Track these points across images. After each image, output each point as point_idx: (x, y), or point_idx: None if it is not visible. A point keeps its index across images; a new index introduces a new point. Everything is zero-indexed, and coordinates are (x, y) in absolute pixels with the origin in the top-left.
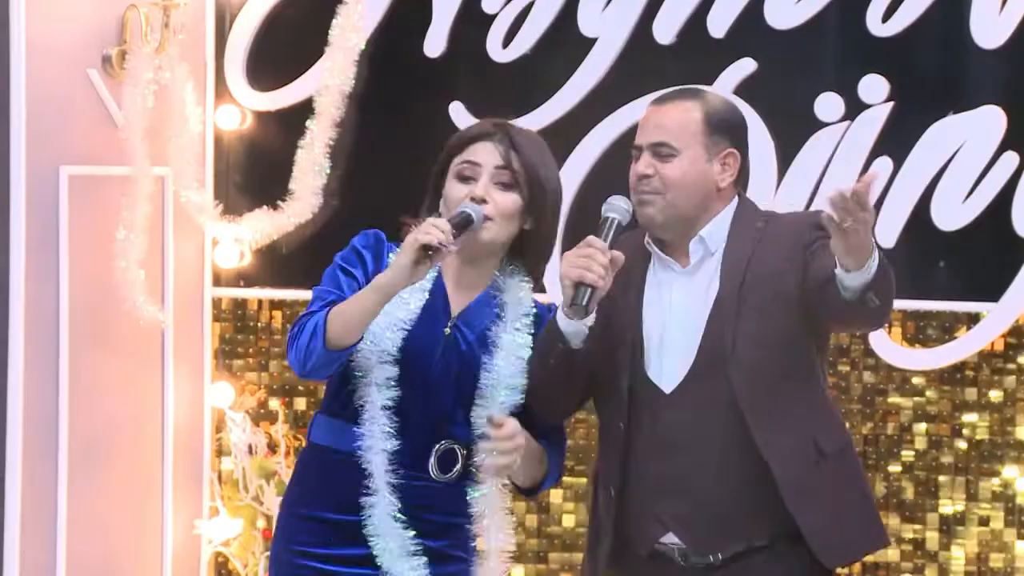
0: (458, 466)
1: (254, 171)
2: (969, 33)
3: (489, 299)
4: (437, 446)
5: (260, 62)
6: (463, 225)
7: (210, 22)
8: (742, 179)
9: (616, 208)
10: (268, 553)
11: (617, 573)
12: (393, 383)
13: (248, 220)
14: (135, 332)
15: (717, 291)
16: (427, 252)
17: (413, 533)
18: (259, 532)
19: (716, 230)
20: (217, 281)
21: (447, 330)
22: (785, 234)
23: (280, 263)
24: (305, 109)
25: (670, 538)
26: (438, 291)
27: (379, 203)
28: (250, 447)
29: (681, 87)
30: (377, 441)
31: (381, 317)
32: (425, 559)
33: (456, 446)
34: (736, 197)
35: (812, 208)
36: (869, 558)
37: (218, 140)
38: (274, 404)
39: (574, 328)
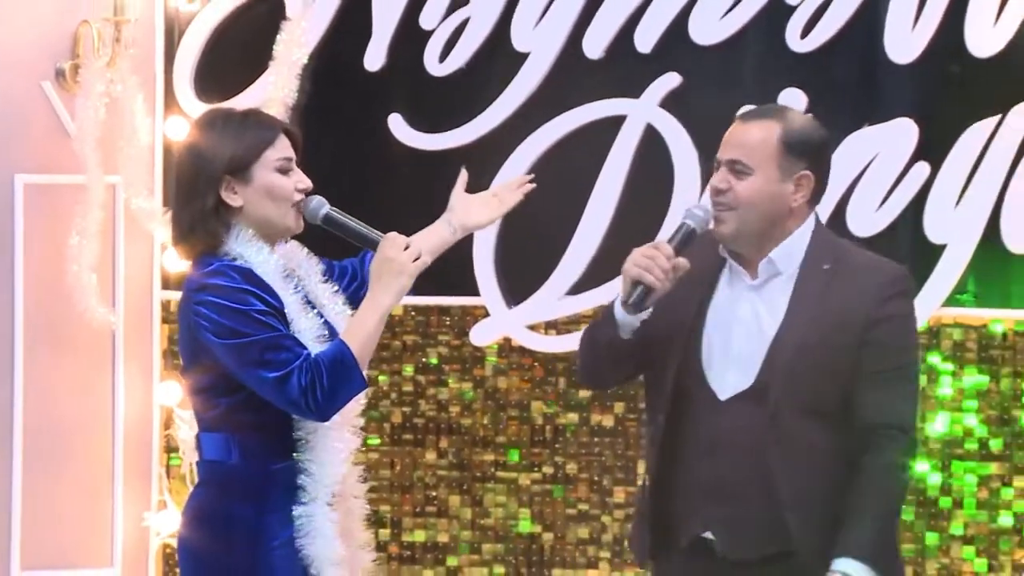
0: None
1: None
2: (883, 49)
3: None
4: None
5: (207, 75)
6: None
7: (160, 37)
8: (816, 198)
9: (693, 216)
10: None
11: (659, 558)
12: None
13: None
14: (87, 333)
15: (783, 318)
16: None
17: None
18: None
19: (786, 253)
20: (166, 284)
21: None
22: (855, 291)
23: None
24: None
25: (707, 534)
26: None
27: None
28: None
29: (768, 105)
30: (324, 454)
31: (300, 334)
32: None
33: None
34: (812, 217)
35: None
36: None
37: (167, 150)
38: None
39: (627, 320)
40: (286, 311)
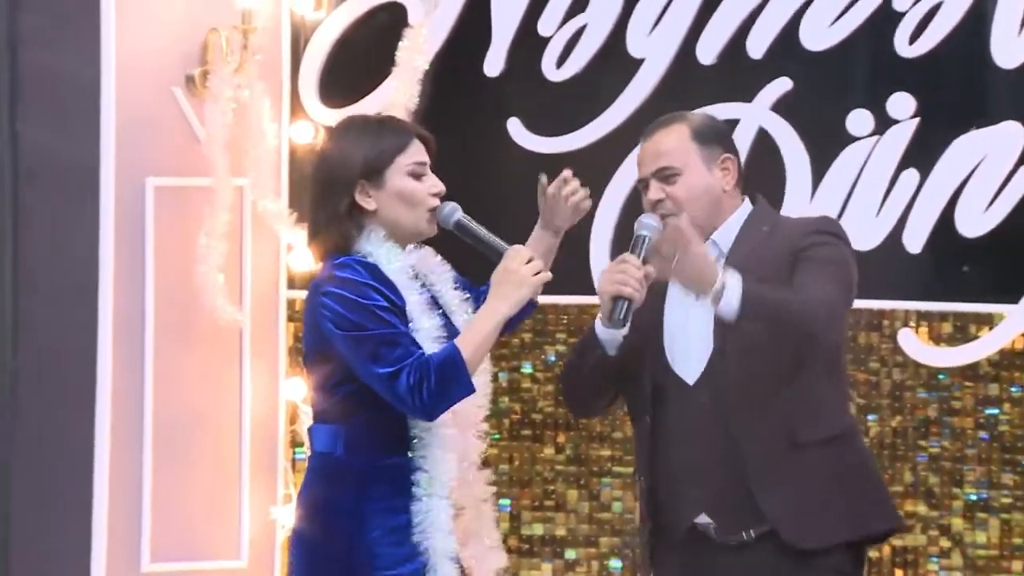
0: None
1: None
2: (990, 54)
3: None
4: None
5: (331, 81)
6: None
7: (286, 44)
8: (742, 181)
9: (647, 226)
10: None
11: (662, 554)
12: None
13: None
14: (215, 331)
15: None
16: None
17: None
18: None
19: (727, 233)
20: (291, 284)
21: (440, 311)
22: (785, 236)
23: None
24: None
25: (703, 518)
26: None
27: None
28: None
29: (660, 118)
30: (438, 451)
31: (418, 334)
32: None
33: None
34: (747, 200)
35: (844, 217)
36: (897, 542)
37: (293, 153)
38: None
39: (610, 336)
40: (408, 310)
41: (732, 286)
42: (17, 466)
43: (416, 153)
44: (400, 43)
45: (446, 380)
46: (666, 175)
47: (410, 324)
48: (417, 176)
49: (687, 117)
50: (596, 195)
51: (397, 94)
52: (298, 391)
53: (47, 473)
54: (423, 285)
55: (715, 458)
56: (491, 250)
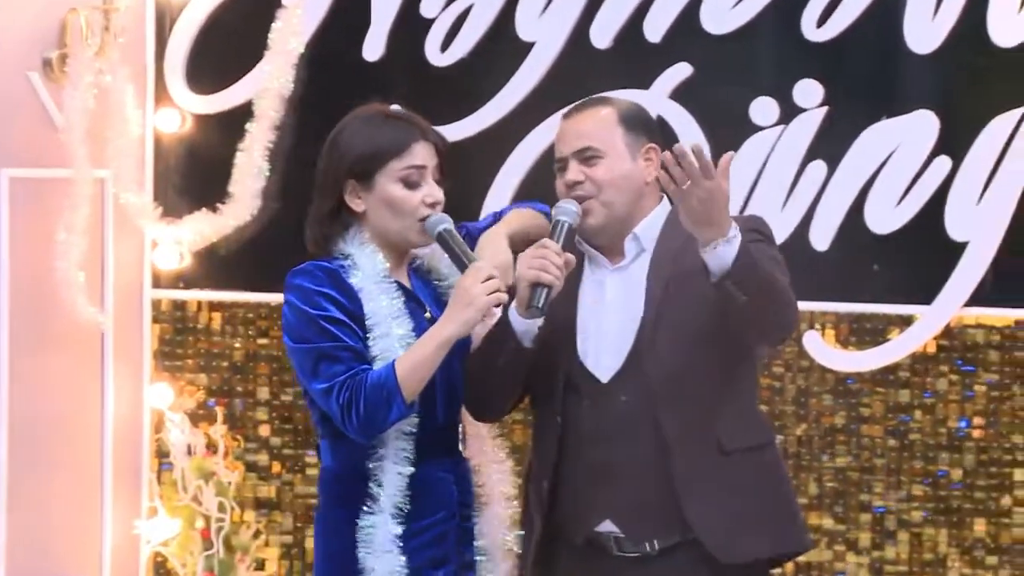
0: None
1: (194, 173)
2: (903, 38)
3: (419, 270)
4: (460, 425)
5: (200, 65)
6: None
7: (150, 26)
8: None
9: (566, 211)
10: (207, 553)
11: (548, 564)
12: (416, 406)
13: (188, 222)
14: (75, 333)
15: (646, 287)
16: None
17: (404, 559)
18: (198, 532)
19: (649, 227)
20: (156, 283)
21: (427, 316)
22: None
23: (220, 265)
24: (244, 112)
25: (606, 526)
26: (403, 291)
27: None
28: (189, 448)
29: (586, 99)
30: (394, 465)
31: (383, 341)
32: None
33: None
34: (666, 199)
35: (746, 211)
36: (802, 557)
37: (158, 142)
38: (212, 405)
39: (525, 327)
40: (371, 319)
41: (734, 239)
42: None
43: (414, 157)
44: (273, 25)
45: (376, 401)
46: (587, 156)
47: (373, 333)
48: (411, 183)
49: (613, 101)
50: (484, 186)
51: (270, 79)
52: (164, 398)
53: None
54: (397, 290)
55: (632, 460)
56: (461, 266)
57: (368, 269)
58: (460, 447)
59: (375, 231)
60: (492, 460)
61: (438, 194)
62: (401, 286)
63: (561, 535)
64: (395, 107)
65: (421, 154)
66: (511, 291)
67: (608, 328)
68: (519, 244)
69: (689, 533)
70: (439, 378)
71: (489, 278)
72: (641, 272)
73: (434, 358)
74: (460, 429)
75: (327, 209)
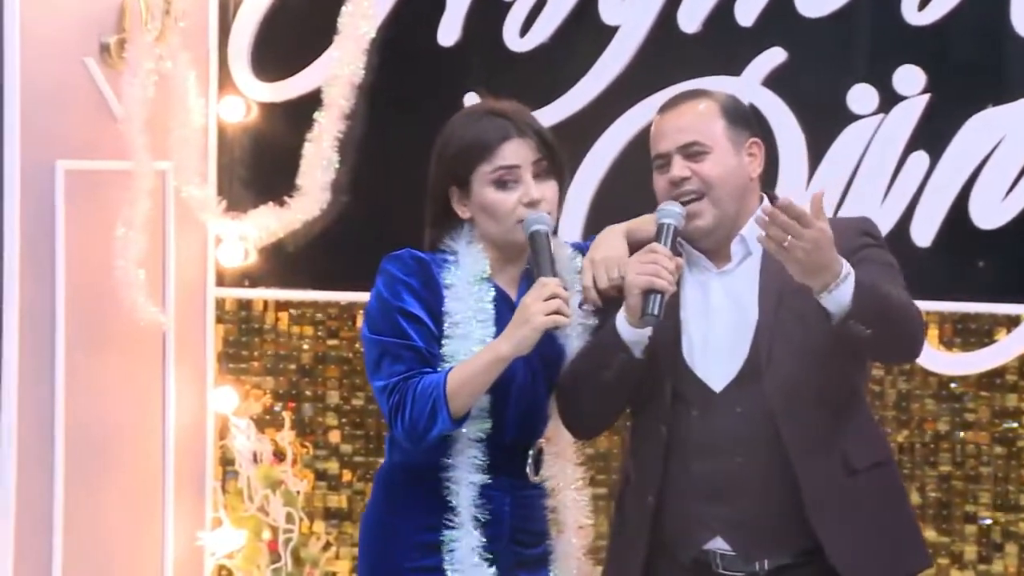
0: (544, 461)
1: (259, 165)
2: (1009, 22)
3: (527, 283)
4: (532, 449)
5: (266, 51)
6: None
7: (213, 9)
8: (767, 171)
9: (671, 213)
10: (274, 566)
11: None
12: (486, 414)
13: (253, 217)
14: (135, 333)
15: (759, 293)
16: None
17: (493, 570)
18: (264, 544)
19: (755, 228)
20: (220, 281)
21: None
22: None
23: (287, 262)
24: (313, 100)
25: (716, 543)
26: (500, 296)
27: (390, 199)
28: (255, 455)
29: (683, 91)
30: (465, 474)
31: (459, 342)
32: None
33: (543, 442)
34: (766, 198)
35: (844, 206)
36: None
37: (221, 133)
38: (280, 410)
39: (636, 337)
40: (449, 317)
41: (846, 278)
42: None
43: (503, 157)
44: (343, 8)
45: (421, 411)
46: (692, 152)
47: (449, 332)
48: (503, 184)
49: (713, 94)
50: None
51: (340, 66)
52: (229, 402)
53: None
54: (493, 292)
55: (748, 475)
56: (538, 275)
57: (468, 267)
58: (528, 471)
59: (484, 236)
60: (571, 486)
61: (535, 192)
62: (500, 290)
63: (666, 554)
64: (501, 103)
65: (512, 153)
66: (620, 290)
67: (717, 335)
68: (633, 245)
69: (801, 555)
70: (515, 396)
71: (552, 296)
72: (748, 276)
73: (486, 375)
74: (533, 455)
75: (438, 215)
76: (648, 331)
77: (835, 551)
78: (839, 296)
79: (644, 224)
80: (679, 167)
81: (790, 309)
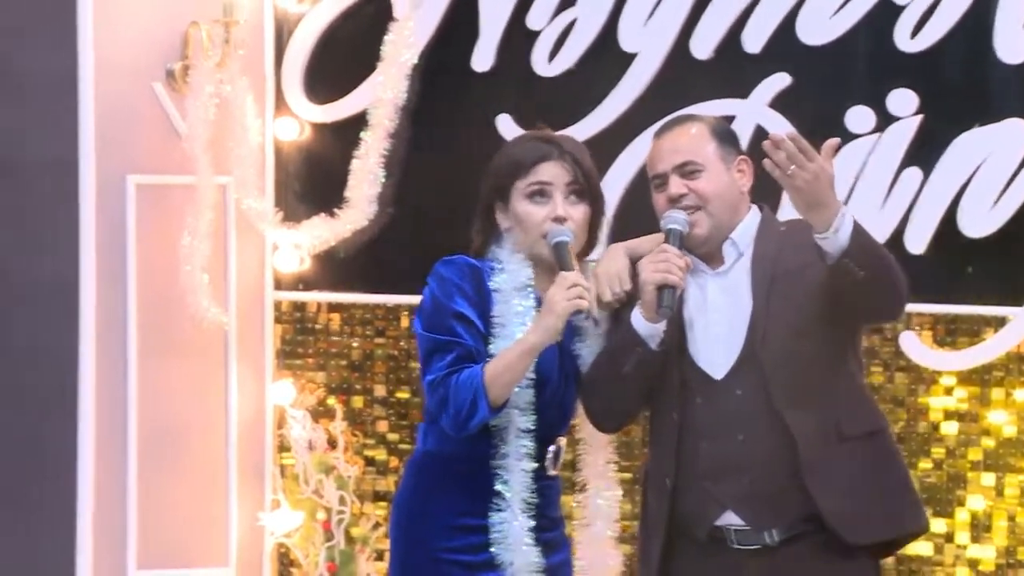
0: (562, 457)
1: (312, 180)
2: (993, 49)
3: None
4: (553, 445)
5: (317, 76)
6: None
7: (269, 38)
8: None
9: (677, 220)
10: (328, 544)
11: (672, 567)
12: (533, 408)
13: (307, 227)
14: (200, 335)
15: (751, 288)
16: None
17: (538, 551)
18: (319, 524)
19: (744, 233)
20: (278, 285)
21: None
22: (806, 233)
23: (338, 267)
24: (360, 121)
25: (728, 518)
26: (540, 302)
27: (431, 210)
28: (310, 443)
29: (673, 116)
30: (515, 462)
31: (504, 342)
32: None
33: (562, 440)
34: (755, 207)
35: None
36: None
37: (277, 150)
38: (332, 402)
39: (651, 331)
40: (497, 319)
41: (846, 219)
42: None
43: (540, 174)
44: (386, 37)
45: (463, 400)
46: (688, 170)
47: (496, 333)
48: (536, 199)
49: (702, 118)
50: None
51: (384, 90)
52: (286, 395)
53: (28, 481)
54: (536, 298)
55: (751, 451)
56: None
57: (513, 275)
58: (547, 464)
59: (519, 247)
60: (601, 479)
61: (561, 210)
62: (541, 298)
63: (686, 532)
64: (553, 133)
65: (549, 172)
66: (631, 296)
67: (716, 328)
68: (635, 261)
69: (809, 523)
70: (549, 395)
71: (573, 286)
72: (741, 275)
73: (519, 364)
74: (553, 450)
75: (483, 225)
76: (662, 325)
77: (831, 513)
78: (839, 234)
79: (644, 243)
80: (676, 185)
81: (781, 293)
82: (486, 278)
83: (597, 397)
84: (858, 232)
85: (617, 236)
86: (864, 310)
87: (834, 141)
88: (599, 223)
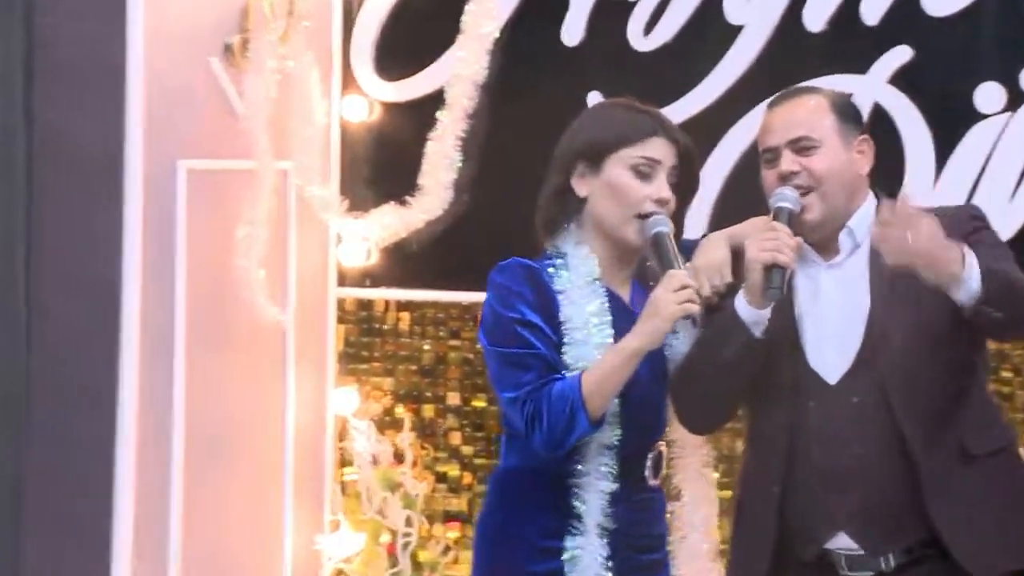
0: (663, 464)
1: (382, 165)
2: None
3: (638, 284)
4: (652, 452)
5: (389, 51)
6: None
7: (337, 9)
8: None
9: (787, 198)
10: (393, 570)
11: None
12: (617, 420)
13: (375, 216)
14: (255, 333)
15: (869, 283)
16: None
17: None
18: (383, 548)
19: (862, 221)
20: (342, 280)
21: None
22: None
23: (409, 262)
24: (435, 100)
25: (839, 541)
26: (613, 299)
27: (513, 198)
28: (374, 457)
29: (791, 88)
30: (595, 480)
31: (579, 347)
32: None
33: (662, 445)
34: (871, 194)
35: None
36: None
37: (344, 132)
38: (400, 411)
39: (755, 317)
40: (566, 324)
41: (971, 264)
42: (30, 480)
43: (651, 149)
44: (467, 7)
45: (558, 415)
46: (803, 146)
47: (568, 339)
48: (641, 174)
49: (824, 91)
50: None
51: (463, 66)
52: (349, 403)
53: (63, 488)
54: (606, 293)
55: (866, 463)
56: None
57: (578, 271)
58: (647, 474)
59: (595, 221)
60: (699, 488)
61: (667, 193)
62: (612, 293)
63: (791, 553)
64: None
65: (659, 149)
66: (732, 287)
67: (829, 326)
68: (737, 250)
69: (929, 548)
70: (639, 401)
71: (683, 287)
72: (857, 268)
73: (621, 371)
74: (653, 458)
75: (553, 189)
76: (768, 311)
77: (954, 541)
78: (969, 284)
79: (747, 229)
80: (788, 161)
81: (903, 294)
82: (547, 278)
83: (691, 392)
84: (988, 277)
85: (720, 222)
86: (1001, 337)
87: (903, 195)
88: (683, 215)
